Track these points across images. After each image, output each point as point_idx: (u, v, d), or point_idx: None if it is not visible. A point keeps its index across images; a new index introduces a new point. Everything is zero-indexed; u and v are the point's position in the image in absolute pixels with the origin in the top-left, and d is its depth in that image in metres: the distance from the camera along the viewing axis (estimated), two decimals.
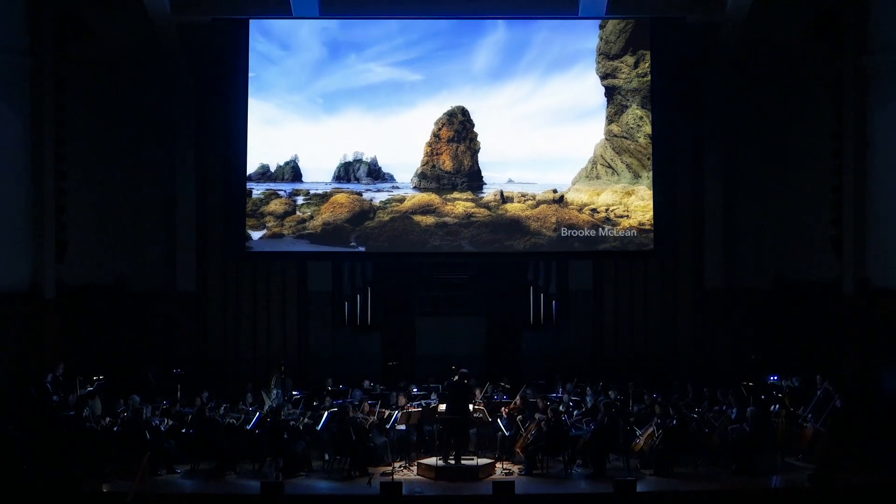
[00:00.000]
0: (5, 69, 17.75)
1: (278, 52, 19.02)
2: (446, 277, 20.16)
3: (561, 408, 16.16)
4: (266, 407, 16.51)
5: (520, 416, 15.94)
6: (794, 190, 19.69)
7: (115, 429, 15.59)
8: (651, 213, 18.79)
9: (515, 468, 15.64)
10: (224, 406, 16.47)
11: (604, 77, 18.89)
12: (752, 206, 20.14)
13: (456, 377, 15.54)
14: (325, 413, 15.92)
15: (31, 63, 18.08)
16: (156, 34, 18.96)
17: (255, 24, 18.89)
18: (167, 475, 15.32)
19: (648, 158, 18.81)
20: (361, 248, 18.95)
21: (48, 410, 16.23)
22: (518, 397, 16.53)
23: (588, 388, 17.47)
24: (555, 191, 18.84)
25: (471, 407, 15.66)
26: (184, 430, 15.91)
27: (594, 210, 18.83)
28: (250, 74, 19.00)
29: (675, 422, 15.59)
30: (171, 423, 16.02)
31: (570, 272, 20.20)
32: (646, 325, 20.21)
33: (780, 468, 15.51)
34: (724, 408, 16.46)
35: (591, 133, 18.86)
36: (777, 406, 16.56)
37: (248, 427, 15.75)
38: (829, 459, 15.28)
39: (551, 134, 18.73)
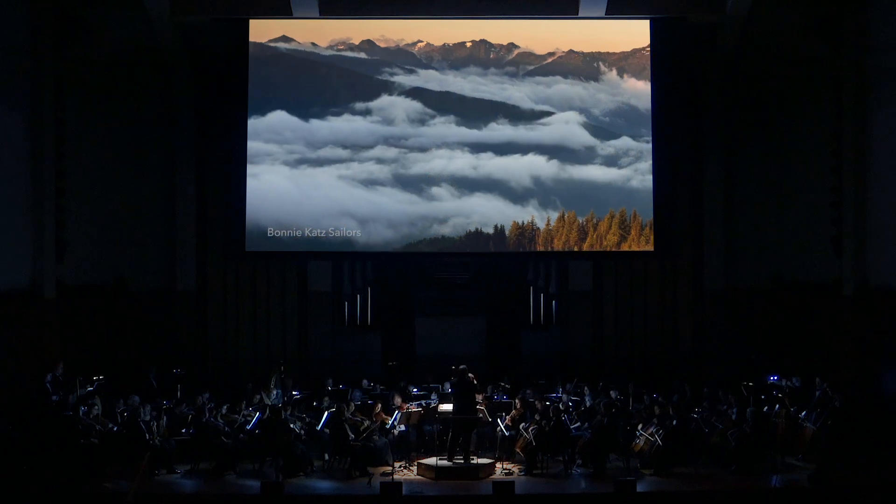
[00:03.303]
0: (5, 69, 17.78)
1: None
2: (446, 277, 20.15)
3: (561, 407, 16.16)
4: (266, 407, 16.50)
5: (523, 424, 15.91)
6: (794, 190, 19.68)
7: (114, 429, 15.59)
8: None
9: (515, 468, 15.64)
10: (225, 406, 16.46)
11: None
12: (752, 206, 20.14)
13: (455, 377, 15.53)
14: (326, 413, 15.92)
15: (31, 63, 18.09)
16: (156, 34, 18.96)
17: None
18: (167, 475, 15.32)
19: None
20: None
21: (48, 410, 16.22)
22: (517, 401, 16.51)
23: (587, 388, 17.47)
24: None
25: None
26: (184, 430, 15.91)
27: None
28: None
29: (675, 422, 15.59)
30: (170, 422, 16.01)
31: (570, 272, 20.21)
32: (646, 325, 20.21)
33: (780, 468, 15.51)
34: (724, 408, 16.46)
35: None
36: (777, 406, 16.56)
37: (248, 427, 15.76)
38: (829, 459, 15.27)
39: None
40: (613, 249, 19.16)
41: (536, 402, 16.22)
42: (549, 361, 19.69)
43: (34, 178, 18.16)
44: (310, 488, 14.77)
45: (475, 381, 15.71)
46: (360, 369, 19.14)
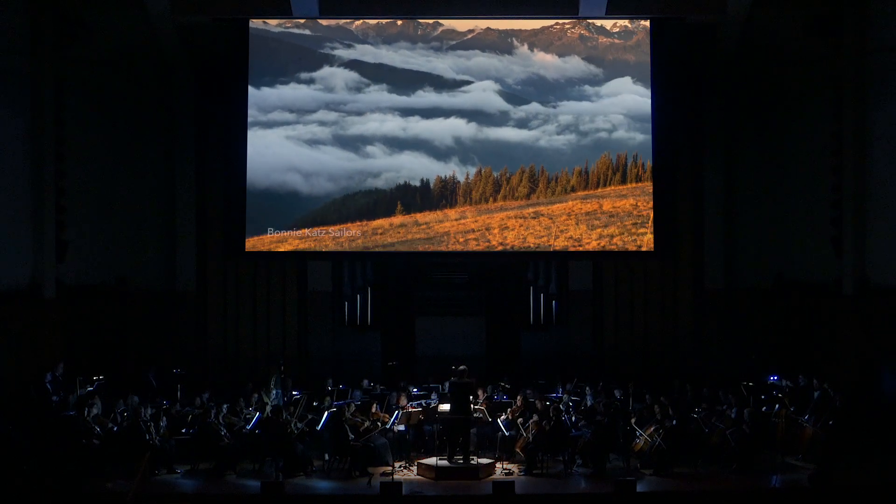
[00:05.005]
0: (5, 69, 17.77)
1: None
2: (446, 277, 20.22)
3: (561, 407, 16.17)
4: (267, 407, 16.50)
5: (520, 419, 15.93)
6: (794, 190, 19.68)
7: (114, 429, 15.59)
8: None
9: (515, 468, 15.64)
10: (225, 406, 16.46)
11: None
12: (752, 206, 20.15)
13: (455, 377, 15.53)
14: (326, 413, 15.92)
15: (31, 63, 18.08)
16: (156, 34, 18.97)
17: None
18: (167, 475, 15.32)
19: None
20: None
21: (48, 410, 16.22)
22: (519, 398, 16.53)
23: (588, 388, 17.47)
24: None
25: (472, 407, 15.67)
26: (184, 431, 15.91)
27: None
28: None
29: (675, 422, 15.60)
30: (170, 422, 16.01)
31: (570, 272, 20.22)
32: (646, 325, 20.21)
33: (780, 468, 15.51)
34: (723, 408, 16.46)
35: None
36: (777, 406, 16.56)
37: (248, 427, 15.76)
38: (829, 459, 15.27)
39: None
40: (613, 250, 19.20)
41: (536, 402, 16.22)
42: (549, 361, 19.69)
43: (34, 178, 18.15)
44: (310, 488, 14.77)
45: (470, 381, 15.67)
46: (360, 369, 19.16)
